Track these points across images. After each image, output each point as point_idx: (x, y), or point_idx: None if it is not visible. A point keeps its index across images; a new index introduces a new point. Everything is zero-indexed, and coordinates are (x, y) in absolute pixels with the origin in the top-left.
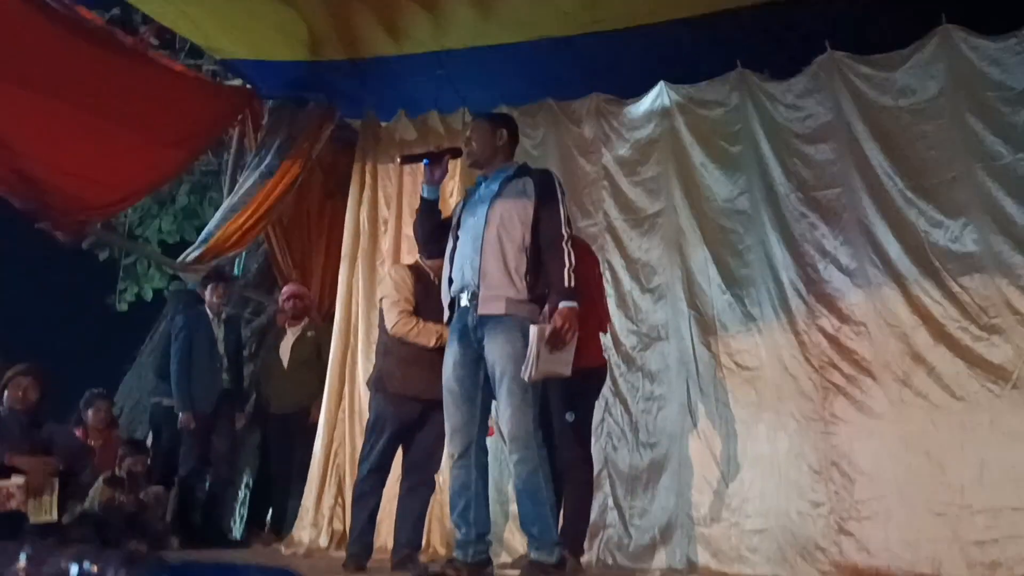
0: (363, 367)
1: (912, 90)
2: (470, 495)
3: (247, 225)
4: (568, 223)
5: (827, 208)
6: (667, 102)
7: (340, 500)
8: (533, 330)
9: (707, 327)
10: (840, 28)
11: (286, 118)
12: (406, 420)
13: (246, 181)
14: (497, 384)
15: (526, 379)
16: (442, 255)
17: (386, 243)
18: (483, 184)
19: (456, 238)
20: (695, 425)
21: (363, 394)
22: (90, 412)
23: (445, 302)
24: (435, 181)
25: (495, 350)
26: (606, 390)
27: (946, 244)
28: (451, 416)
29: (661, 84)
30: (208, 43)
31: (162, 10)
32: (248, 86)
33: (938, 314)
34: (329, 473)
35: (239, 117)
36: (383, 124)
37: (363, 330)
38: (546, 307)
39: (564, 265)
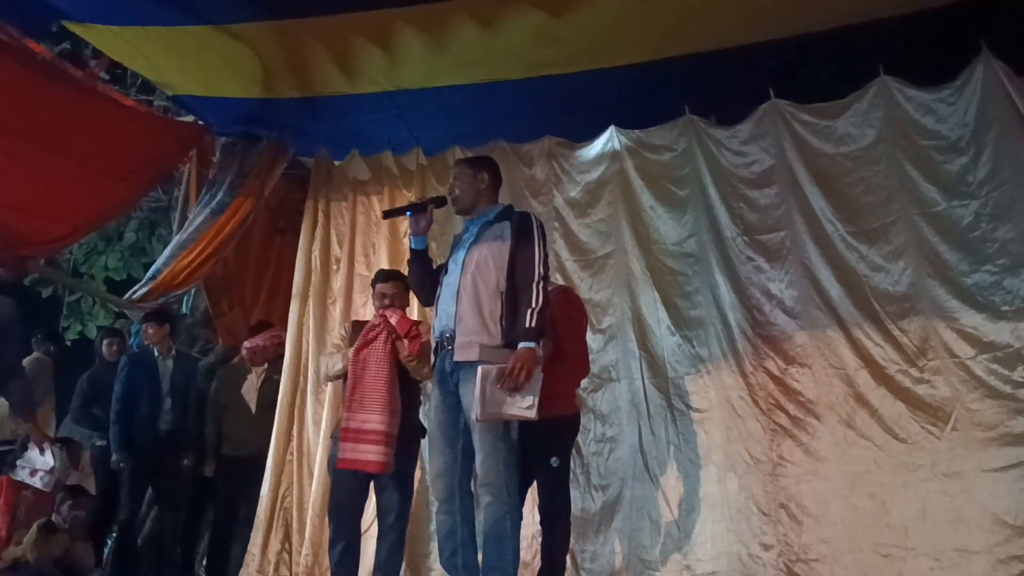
0: (312, 408)
1: (852, 138)
2: (456, 541)
3: (196, 262)
4: (544, 264)
5: (772, 251)
6: (617, 145)
7: (287, 546)
8: (479, 370)
9: (657, 368)
10: (784, 77)
11: (238, 154)
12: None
13: (196, 218)
14: (472, 428)
15: (474, 419)
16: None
17: (338, 282)
18: (468, 230)
19: (441, 284)
20: (646, 467)
21: (312, 436)
22: None
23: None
24: (421, 232)
25: (468, 395)
26: None
27: (886, 287)
28: (433, 461)
29: (612, 128)
30: (160, 79)
31: (113, 45)
32: (200, 122)
33: (879, 356)
34: (276, 518)
35: (190, 153)
36: (336, 163)
37: (313, 370)
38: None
39: (529, 306)
